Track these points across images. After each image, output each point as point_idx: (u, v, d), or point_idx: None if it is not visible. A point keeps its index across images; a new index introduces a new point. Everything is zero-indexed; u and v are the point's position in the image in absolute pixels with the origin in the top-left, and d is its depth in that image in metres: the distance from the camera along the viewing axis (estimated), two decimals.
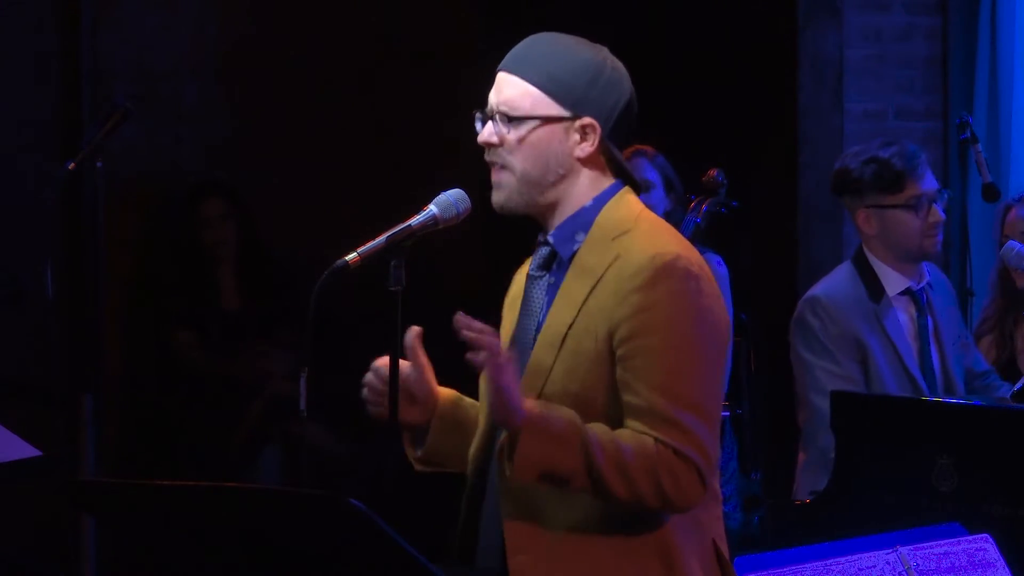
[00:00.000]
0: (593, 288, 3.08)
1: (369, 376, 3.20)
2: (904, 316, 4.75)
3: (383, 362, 3.16)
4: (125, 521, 2.97)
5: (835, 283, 4.79)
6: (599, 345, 3.05)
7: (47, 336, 5.82)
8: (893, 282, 4.76)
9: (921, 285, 4.78)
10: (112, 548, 5.20)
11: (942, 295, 4.88)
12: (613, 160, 3.16)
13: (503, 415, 2.98)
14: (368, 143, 6.81)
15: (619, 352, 3.03)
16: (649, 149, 5.57)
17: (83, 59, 6.21)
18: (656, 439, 2.98)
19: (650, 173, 5.53)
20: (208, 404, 6.27)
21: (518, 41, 3.20)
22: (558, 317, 3.11)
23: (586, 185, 3.15)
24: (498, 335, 3.02)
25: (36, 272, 4.97)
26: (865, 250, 4.78)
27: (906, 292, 4.77)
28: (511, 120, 3.12)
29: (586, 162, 3.14)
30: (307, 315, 3.10)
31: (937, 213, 4.70)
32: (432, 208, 3.15)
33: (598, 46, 3.18)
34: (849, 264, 4.82)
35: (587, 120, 3.11)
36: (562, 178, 3.13)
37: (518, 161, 3.13)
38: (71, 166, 4.65)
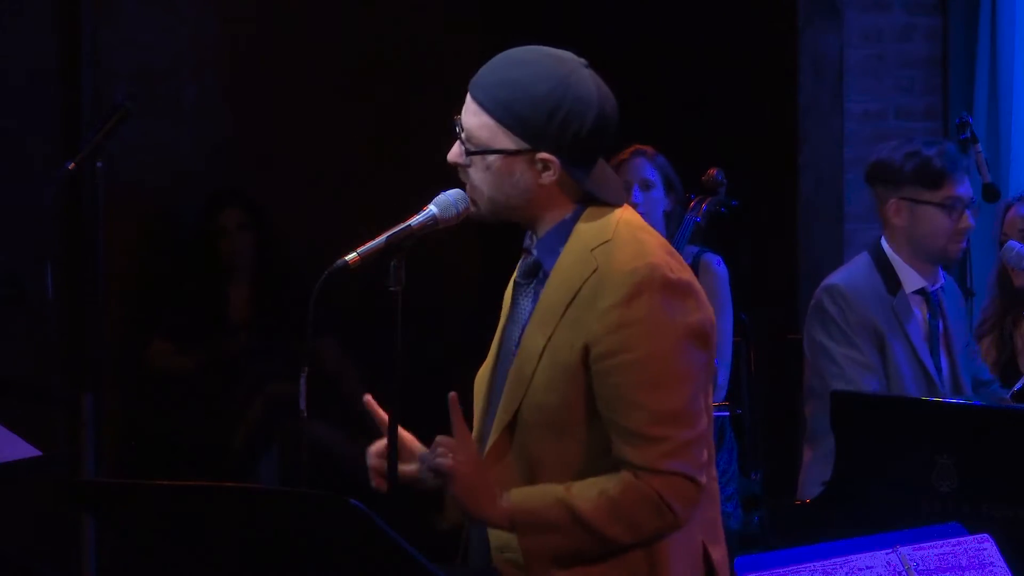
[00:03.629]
0: (571, 301, 3.08)
1: (369, 455, 3.24)
2: (918, 314, 4.75)
3: (378, 447, 3.20)
4: (125, 521, 2.97)
5: (853, 272, 4.79)
6: (576, 358, 3.05)
7: (47, 336, 5.82)
8: (909, 279, 4.75)
9: (935, 287, 4.77)
10: (112, 548, 5.20)
11: (954, 302, 4.87)
12: (582, 181, 3.12)
13: (480, 514, 3.06)
14: (368, 143, 6.81)
15: (596, 367, 3.04)
16: (649, 149, 5.56)
17: (83, 59, 6.20)
18: (637, 471, 3.00)
19: (650, 173, 5.52)
20: (208, 404, 6.26)
21: (517, 44, 3.19)
22: (537, 329, 3.11)
23: (562, 200, 3.14)
24: (469, 448, 3.07)
25: (36, 272, 4.98)
26: (884, 244, 4.77)
27: (920, 292, 4.76)
28: (472, 152, 3.12)
29: (553, 185, 3.12)
30: (306, 315, 3.10)
31: (967, 219, 4.70)
32: (432, 208, 3.15)
33: (565, 62, 3.11)
34: (866, 255, 4.81)
35: (544, 155, 3.09)
36: (529, 201, 3.13)
37: (482, 186, 3.13)
38: (71, 166, 4.65)
